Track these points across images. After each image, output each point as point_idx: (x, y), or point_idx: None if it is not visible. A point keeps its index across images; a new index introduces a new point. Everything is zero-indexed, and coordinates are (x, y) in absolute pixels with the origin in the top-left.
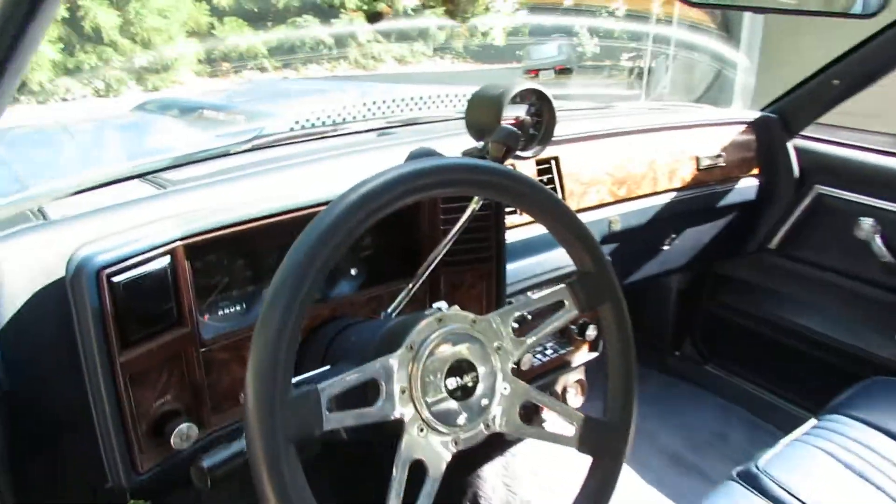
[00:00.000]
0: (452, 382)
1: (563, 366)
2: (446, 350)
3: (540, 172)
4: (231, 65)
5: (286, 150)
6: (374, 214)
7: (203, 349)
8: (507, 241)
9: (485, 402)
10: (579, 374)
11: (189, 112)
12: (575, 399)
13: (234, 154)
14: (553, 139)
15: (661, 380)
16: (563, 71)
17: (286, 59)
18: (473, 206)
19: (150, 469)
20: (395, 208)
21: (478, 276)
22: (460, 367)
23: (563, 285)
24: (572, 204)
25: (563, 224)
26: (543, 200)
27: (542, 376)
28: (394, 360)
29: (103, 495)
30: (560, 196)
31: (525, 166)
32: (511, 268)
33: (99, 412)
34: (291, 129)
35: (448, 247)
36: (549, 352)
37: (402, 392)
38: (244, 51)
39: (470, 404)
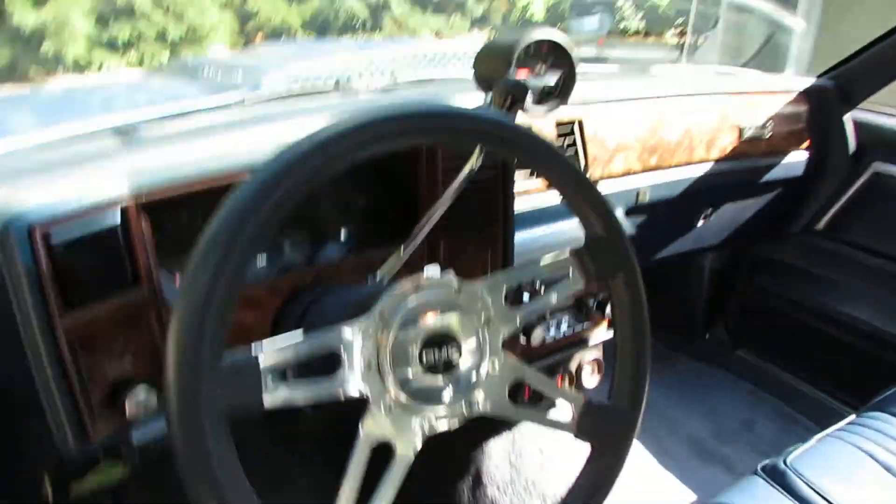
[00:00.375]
0: (430, 356)
1: (578, 343)
2: (424, 319)
3: (561, 135)
4: (264, 36)
5: (281, 107)
6: (333, 162)
7: (166, 311)
8: (519, 210)
9: (472, 378)
10: (596, 353)
11: (187, 69)
12: (590, 379)
13: (225, 109)
14: (577, 101)
15: (688, 364)
16: (606, 45)
17: (320, 32)
18: (472, 162)
19: (104, 438)
20: (359, 158)
21: (482, 243)
22: (439, 340)
23: (567, 254)
24: (596, 171)
25: (567, 180)
26: (543, 153)
27: (555, 352)
28: (357, 329)
29: (71, 461)
30: (583, 162)
31: (544, 129)
32: (521, 237)
33: (41, 379)
34: (290, 86)
35: (447, 207)
36: (563, 327)
37: (368, 366)
38: (278, 23)
39: (452, 381)
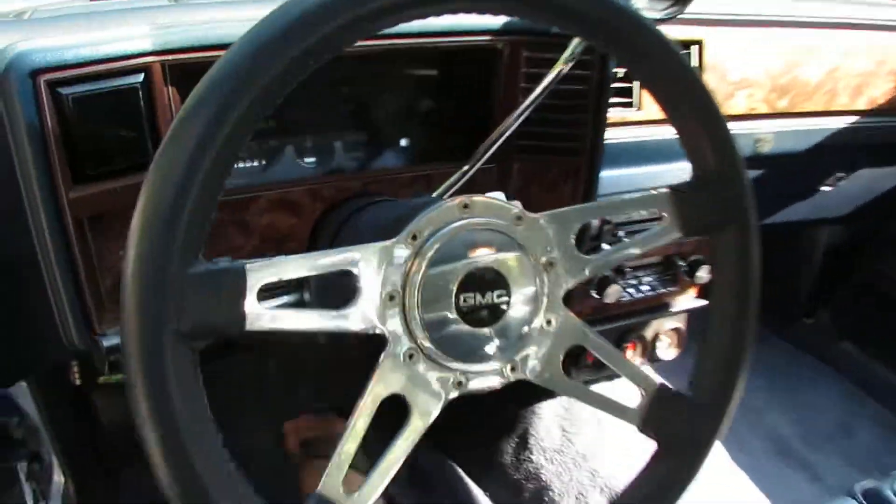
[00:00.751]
0: (469, 300)
1: (659, 308)
2: (468, 251)
3: None
4: None
5: None
6: (366, 22)
7: None
8: (610, 141)
9: (519, 335)
10: (678, 323)
11: None
12: (666, 351)
13: None
14: (700, 16)
15: (781, 348)
16: None
17: None
18: (562, 64)
19: (112, 332)
20: (403, 20)
21: (563, 171)
22: (485, 280)
23: (665, 190)
24: None
25: (681, 90)
26: (656, 47)
27: (631, 315)
28: (379, 251)
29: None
30: None
31: None
32: (608, 175)
33: (44, 257)
34: None
35: (524, 118)
36: (644, 287)
37: (391, 298)
38: None
39: (493, 334)
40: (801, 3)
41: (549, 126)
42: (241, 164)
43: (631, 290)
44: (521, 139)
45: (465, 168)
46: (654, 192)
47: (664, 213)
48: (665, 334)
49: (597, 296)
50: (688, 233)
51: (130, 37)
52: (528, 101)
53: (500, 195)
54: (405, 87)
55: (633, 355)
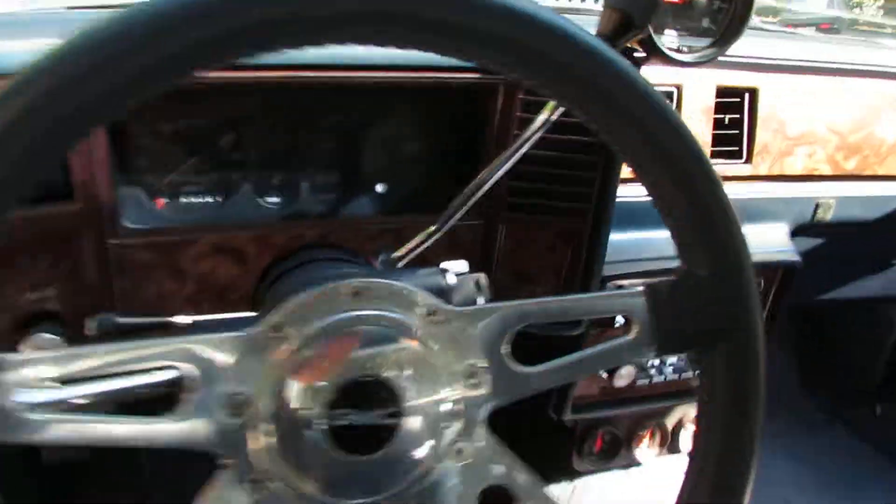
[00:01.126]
0: (344, 416)
1: (683, 393)
2: (349, 353)
3: (721, 108)
4: None
5: None
6: (227, 48)
7: (115, 241)
8: (628, 199)
9: (415, 468)
10: None
11: None
12: (690, 441)
13: None
14: (754, 61)
15: (837, 438)
16: (829, 31)
17: None
18: (549, 111)
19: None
20: (279, 47)
21: (561, 234)
22: (368, 393)
23: (639, 288)
24: (762, 165)
25: (665, 164)
26: (633, 101)
27: (649, 400)
28: (226, 346)
29: None
30: (745, 150)
31: (698, 92)
32: (623, 238)
33: None
34: None
35: (504, 170)
36: (668, 369)
37: (235, 407)
38: None
39: (376, 464)
40: (881, 53)
41: (548, 181)
42: (191, 200)
43: (652, 371)
44: (514, 195)
45: (433, 228)
46: (625, 291)
47: (634, 321)
48: (691, 423)
49: (605, 376)
50: (659, 348)
51: (33, 51)
52: (508, 152)
53: (458, 265)
54: (388, 127)
55: (649, 444)
